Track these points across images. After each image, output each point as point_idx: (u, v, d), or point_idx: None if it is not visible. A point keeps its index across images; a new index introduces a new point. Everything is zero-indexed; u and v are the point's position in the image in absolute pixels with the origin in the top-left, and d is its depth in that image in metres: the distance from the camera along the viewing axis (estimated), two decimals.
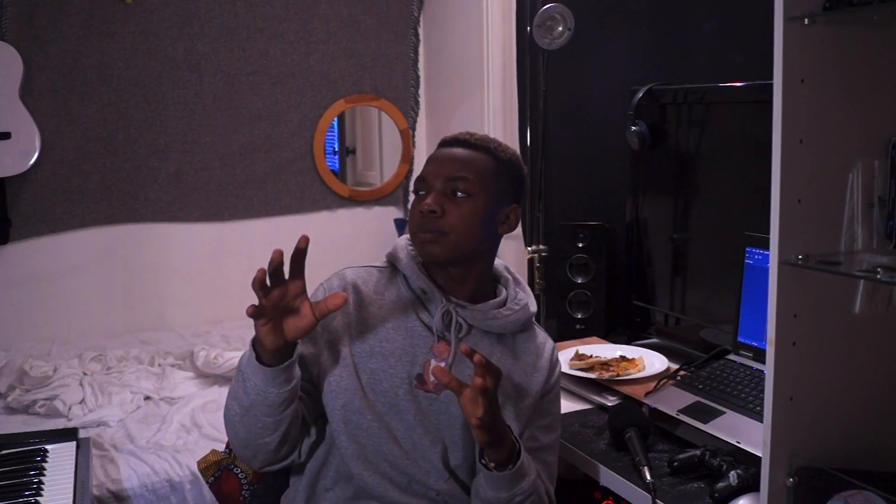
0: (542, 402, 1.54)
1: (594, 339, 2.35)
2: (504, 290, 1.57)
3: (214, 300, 3.66)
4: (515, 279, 1.60)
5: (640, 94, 2.23)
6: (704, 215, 2.18)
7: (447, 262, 1.49)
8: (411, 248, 1.53)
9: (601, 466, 1.61)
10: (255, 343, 1.35)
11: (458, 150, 1.51)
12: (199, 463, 1.71)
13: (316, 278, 1.52)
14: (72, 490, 1.61)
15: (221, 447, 2.34)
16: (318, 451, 1.50)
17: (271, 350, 1.32)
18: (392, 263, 1.56)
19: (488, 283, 1.56)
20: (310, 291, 1.46)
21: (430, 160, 1.52)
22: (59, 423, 2.42)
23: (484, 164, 1.49)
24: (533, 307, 1.57)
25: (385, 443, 1.44)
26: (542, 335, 1.60)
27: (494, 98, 3.59)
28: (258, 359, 1.34)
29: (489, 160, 1.50)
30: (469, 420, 1.30)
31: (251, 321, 1.30)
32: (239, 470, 1.65)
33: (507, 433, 1.37)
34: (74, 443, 1.83)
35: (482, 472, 1.39)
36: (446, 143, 1.54)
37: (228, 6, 3.60)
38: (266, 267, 1.28)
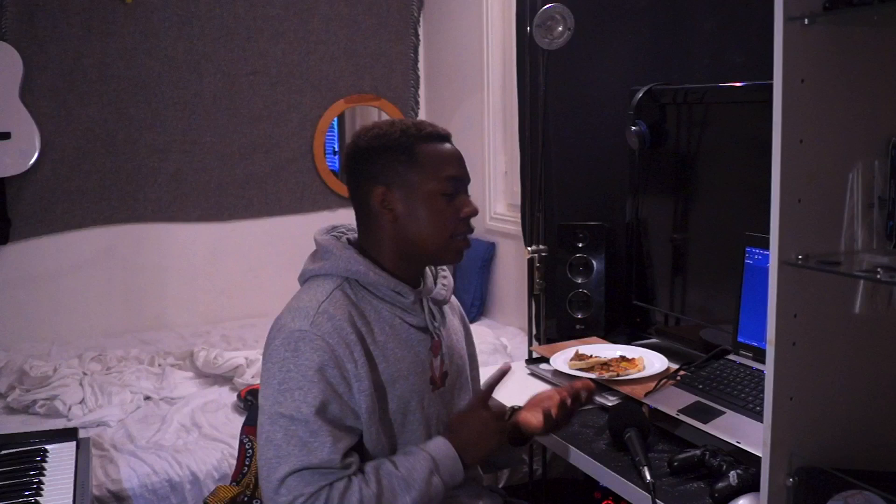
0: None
1: (594, 339, 2.35)
2: None
3: (214, 300, 3.64)
4: None
5: (640, 94, 2.22)
6: (704, 215, 2.18)
7: None
8: (358, 254, 1.43)
9: (601, 466, 1.61)
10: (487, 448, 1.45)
11: (452, 146, 1.49)
12: (209, 500, 1.60)
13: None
14: (72, 490, 1.62)
15: (221, 447, 2.36)
16: None
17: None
18: (345, 279, 1.43)
19: None
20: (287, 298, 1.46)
21: (450, 158, 1.45)
22: (59, 423, 2.43)
23: None
24: None
25: None
26: None
27: (494, 98, 3.59)
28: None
29: None
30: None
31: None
32: (258, 502, 1.56)
33: None
34: (74, 443, 1.84)
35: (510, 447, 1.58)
36: (443, 137, 1.48)
37: (228, 6, 3.61)
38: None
